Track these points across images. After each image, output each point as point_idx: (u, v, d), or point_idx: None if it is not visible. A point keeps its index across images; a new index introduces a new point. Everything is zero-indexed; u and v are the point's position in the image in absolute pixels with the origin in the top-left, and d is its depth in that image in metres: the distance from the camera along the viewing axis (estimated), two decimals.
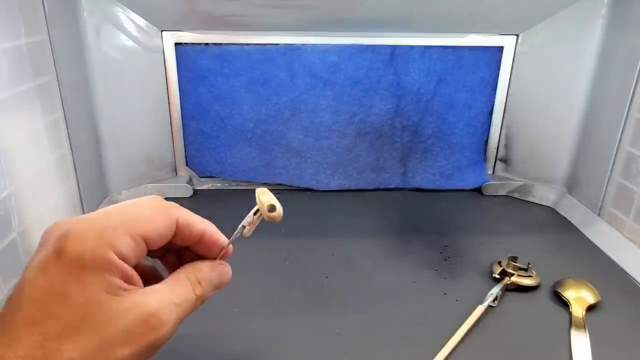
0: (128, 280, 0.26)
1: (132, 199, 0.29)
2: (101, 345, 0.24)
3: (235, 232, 0.32)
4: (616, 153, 0.62)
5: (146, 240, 0.27)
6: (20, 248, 0.47)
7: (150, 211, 0.28)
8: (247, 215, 0.31)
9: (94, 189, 0.66)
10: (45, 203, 0.53)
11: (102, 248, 0.25)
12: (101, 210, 0.27)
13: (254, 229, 0.31)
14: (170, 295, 0.28)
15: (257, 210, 0.31)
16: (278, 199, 0.31)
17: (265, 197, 0.31)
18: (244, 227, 0.31)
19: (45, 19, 0.53)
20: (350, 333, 0.45)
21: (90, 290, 0.24)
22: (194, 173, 0.77)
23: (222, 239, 0.32)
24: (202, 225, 0.30)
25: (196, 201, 0.73)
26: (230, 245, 0.32)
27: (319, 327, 0.46)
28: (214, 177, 0.77)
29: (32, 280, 0.25)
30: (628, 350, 0.44)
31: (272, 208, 0.30)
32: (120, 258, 0.25)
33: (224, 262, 0.33)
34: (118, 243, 0.25)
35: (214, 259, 0.32)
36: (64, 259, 0.24)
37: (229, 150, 0.75)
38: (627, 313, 0.48)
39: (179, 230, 0.29)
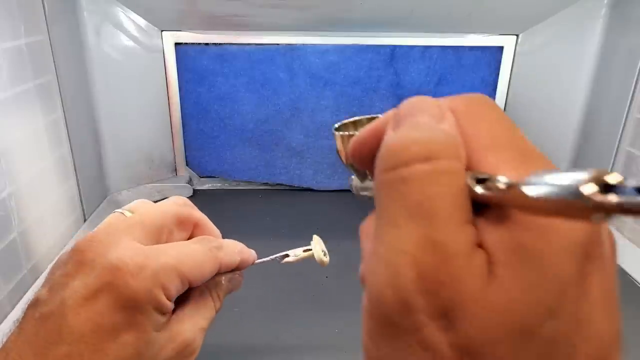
0: (167, 313, 0.27)
1: (133, 200, 0.29)
2: None
3: (273, 257, 0.33)
4: (616, 153, 0.62)
5: (190, 283, 0.27)
6: (20, 248, 0.47)
7: (202, 256, 0.28)
8: (297, 249, 0.34)
9: (94, 189, 0.66)
10: (45, 203, 0.53)
11: (156, 289, 0.25)
12: (154, 248, 0.27)
13: (295, 263, 0.34)
14: (199, 320, 0.29)
15: (308, 250, 0.34)
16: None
17: (321, 245, 0.35)
18: (287, 255, 0.34)
19: (45, 19, 0.53)
20: (350, 333, 0.45)
21: (142, 330, 0.24)
22: (194, 173, 0.77)
23: (252, 256, 0.33)
24: (238, 257, 0.31)
25: (196, 201, 0.72)
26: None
27: (319, 327, 0.46)
28: (214, 177, 0.77)
29: (76, 310, 0.23)
30: (628, 350, 0.44)
31: (325, 254, 0.35)
32: (167, 297, 0.25)
33: (240, 272, 0.33)
34: (169, 285, 0.25)
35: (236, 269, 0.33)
36: (117, 295, 0.24)
37: (229, 150, 0.75)
38: (627, 313, 0.48)
39: (221, 270, 0.29)
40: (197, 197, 0.74)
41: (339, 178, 0.76)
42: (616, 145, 0.62)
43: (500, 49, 0.72)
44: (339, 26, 0.68)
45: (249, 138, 0.74)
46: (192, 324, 0.28)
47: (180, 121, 0.74)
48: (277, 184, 0.77)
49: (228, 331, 0.45)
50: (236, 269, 0.31)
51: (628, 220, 0.59)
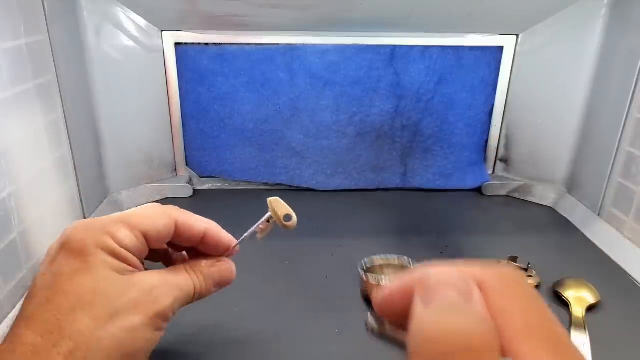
0: (132, 266, 0.29)
1: (133, 200, 0.32)
2: (113, 314, 0.26)
3: (244, 235, 0.33)
4: (616, 153, 0.62)
5: (145, 236, 0.29)
6: (20, 248, 0.47)
7: (150, 211, 0.30)
8: (259, 222, 0.33)
9: (94, 189, 0.66)
10: (45, 203, 0.53)
11: (103, 236, 0.28)
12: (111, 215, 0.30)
13: (265, 235, 0.33)
14: (171, 277, 0.30)
15: (269, 218, 0.33)
16: (291, 206, 0.33)
17: (280, 206, 0.33)
18: (255, 232, 0.33)
19: (45, 19, 0.53)
20: (350, 333, 0.45)
21: (99, 269, 0.27)
22: (194, 173, 0.77)
23: (226, 238, 0.34)
24: (202, 225, 0.32)
25: (196, 201, 0.73)
26: (237, 246, 0.34)
27: (319, 327, 0.46)
28: (214, 177, 0.77)
29: (41, 272, 0.28)
30: (628, 350, 0.44)
31: (287, 218, 0.32)
32: (121, 246, 0.28)
33: (227, 260, 0.35)
34: (118, 234, 0.28)
35: (218, 256, 0.34)
36: (69, 248, 0.27)
37: (229, 150, 0.75)
38: (627, 313, 0.48)
39: (179, 230, 0.31)
40: (197, 197, 0.74)
41: (338, 178, 0.76)
42: (616, 145, 0.62)
43: (500, 49, 0.72)
44: (339, 26, 0.68)
45: (249, 138, 0.74)
46: (161, 276, 0.30)
47: (180, 121, 0.74)
48: (277, 184, 0.77)
49: (228, 331, 0.45)
50: (212, 250, 0.33)
51: (628, 220, 0.59)
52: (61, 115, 0.57)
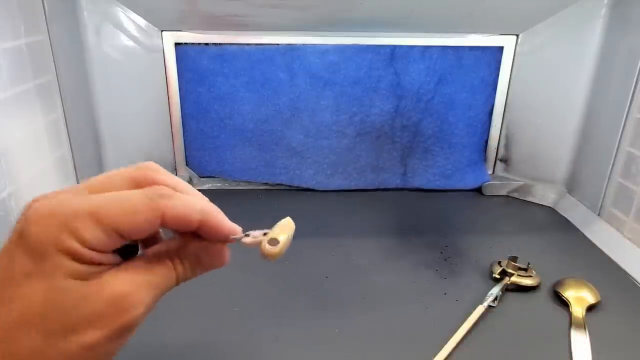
0: (100, 264, 0.24)
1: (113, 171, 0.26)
2: (69, 329, 0.23)
3: (239, 235, 0.29)
4: (616, 153, 0.62)
5: (120, 234, 0.24)
6: None
7: (129, 203, 0.24)
8: (256, 232, 0.28)
9: None
10: None
11: (64, 235, 0.23)
12: (76, 187, 0.25)
13: (250, 245, 0.28)
14: (146, 274, 0.25)
15: (266, 234, 0.28)
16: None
17: (282, 231, 0.28)
18: (247, 235, 0.28)
19: (45, 19, 0.53)
20: (350, 333, 0.45)
21: (55, 276, 0.23)
22: (194, 173, 0.77)
23: (226, 227, 0.28)
24: (197, 216, 0.26)
25: None
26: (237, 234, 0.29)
27: (319, 327, 0.46)
28: (214, 177, 0.77)
29: None
30: (628, 350, 0.44)
31: (274, 242, 0.27)
32: (85, 247, 0.23)
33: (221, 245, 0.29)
34: (84, 233, 0.23)
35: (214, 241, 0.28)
36: (25, 243, 0.23)
37: (229, 150, 0.75)
38: (627, 313, 0.48)
39: (166, 223, 0.25)
40: None
41: (338, 178, 0.76)
42: (616, 145, 0.62)
43: (500, 49, 0.72)
44: (339, 26, 0.68)
45: (249, 138, 0.74)
46: (132, 277, 0.25)
47: (180, 121, 0.74)
48: (277, 184, 0.77)
49: (228, 331, 0.45)
50: (208, 238, 0.27)
51: (628, 220, 0.59)
52: (61, 115, 0.57)
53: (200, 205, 0.26)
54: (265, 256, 0.27)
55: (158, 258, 0.26)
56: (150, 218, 0.24)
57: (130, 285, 0.24)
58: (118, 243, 0.24)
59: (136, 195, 0.24)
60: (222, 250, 0.29)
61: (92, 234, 0.23)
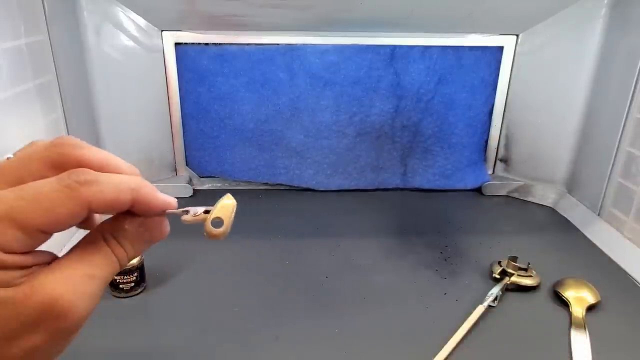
0: (25, 266, 0.22)
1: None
2: (8, 337, 0.21)
3: (177, 211, 0.26)
4: (616, 153, 0.62)
5: (43, 231, 0.22)
6: None
7: (49, 199, 0.22)
8: (196, 208, 0.27)
9: None
10: None
11: None
12: None
13: (190, 223, 0.27)
14: (83, 267, 0.23)
15: (207, 212, 0.27)
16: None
17: (224, 209, 0.26)
18: (186, 212, 0.27)
19: (45, 19, 0.53)
20: (350, 333, 0.45)
21: None
22: (194, 173, 0.77)
23: (160, 200, 0.26)
24: (127, 196, 0.24)
25: (196, 201, 0.73)
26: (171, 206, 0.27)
27: (319, 327, 0.46)
28: (214, 177, 0.77)
29: None
30: (628, 350, 0.44)
31: (218, 222, 0.26)
32: (5, 252, 0.21)
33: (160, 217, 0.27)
34: (1, 238, 0.21)
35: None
36: None
37: (229, 150, 0.75)
38: (627, 313, 0.48)
39: (95, 210, 0.23)
40: (197, 197, 0.74)
41: (338, 178, 0.76)
42: (616, 145, 0.62)
43: (500, 49, 0.72)
44: (339, 26, 0.68)
45: (249, 138, 0.74)
46: (65, 275, 0.23)
47: (180, 121, 0.74)
48: (277, 184, 0.77)
49: (228, 331, 0.45)
50: (143, 214, 0.26)
51: (628, 220, 0.59)
52: (61, 115, 0.57)
53: (129, 184, 0.24)
54: (210, 237, 0.26)
55: (94, 245, 0.24)
56: (73, 210, 0.22)
57: (65, 285, 0.22)
58: (43, 239, 0.23)
59: (54, 185, 0.22)
60: (161, 222, 0.27)
61: (10, 237, 0.21)
